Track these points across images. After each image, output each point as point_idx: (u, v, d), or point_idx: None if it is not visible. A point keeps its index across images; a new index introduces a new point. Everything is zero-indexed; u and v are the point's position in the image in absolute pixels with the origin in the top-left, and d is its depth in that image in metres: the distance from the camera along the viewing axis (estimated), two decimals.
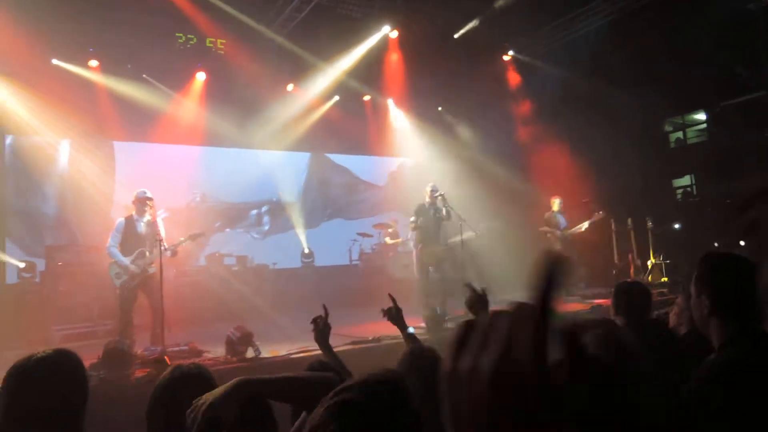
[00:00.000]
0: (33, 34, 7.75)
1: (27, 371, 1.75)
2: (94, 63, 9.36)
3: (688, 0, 9.36)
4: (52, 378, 1.76)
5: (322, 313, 2.86)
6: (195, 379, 1.84)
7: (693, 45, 9.95)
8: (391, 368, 1.38)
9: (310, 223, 11.98)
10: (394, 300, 3.03)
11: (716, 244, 9.33)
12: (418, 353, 2.18)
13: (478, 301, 2.84)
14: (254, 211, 11.70)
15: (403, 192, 12.36)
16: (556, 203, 9.42)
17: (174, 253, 6.36)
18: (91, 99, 9.31)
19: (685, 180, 12.39)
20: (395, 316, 2.99)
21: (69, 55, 9.05)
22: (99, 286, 7.95)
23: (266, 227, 11.70)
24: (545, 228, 9.30)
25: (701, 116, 12.26)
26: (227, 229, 11.22)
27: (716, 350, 1.83)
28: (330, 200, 12.65)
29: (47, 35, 8.12)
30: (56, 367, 1.79)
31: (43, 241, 9.05)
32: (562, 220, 9.30)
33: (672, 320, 3.33)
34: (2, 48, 7.81)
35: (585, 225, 9.22)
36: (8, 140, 9.28)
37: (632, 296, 3.05)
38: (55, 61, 8.99)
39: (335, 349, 2.85)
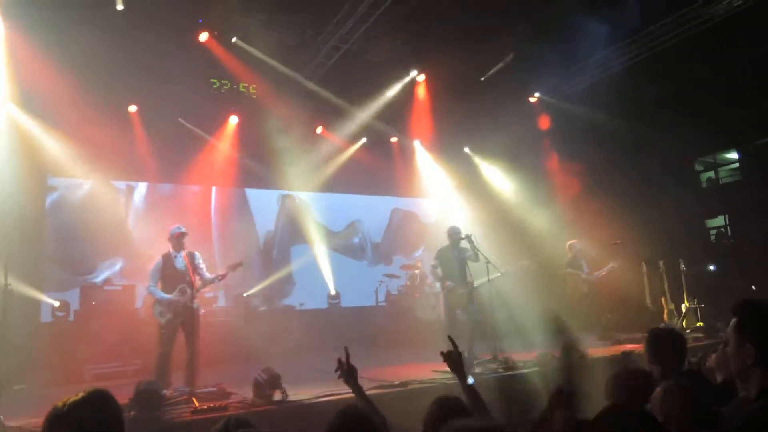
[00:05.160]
0: (76, 81, 8.14)
1: (62, 417, 1.77)
2: (133, 108, 9.76)
3: (716, 39, 9.34)
4: (87, 421, 1.78)
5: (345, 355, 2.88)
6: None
7: (723, 84, 9.90)
8: None
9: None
10: (454, 343, 2.80)
11: (753, 287, 9.05)
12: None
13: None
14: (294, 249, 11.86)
15: (429, 233, 12.40)
16: (575, 247, 9.27)
17: (223, 278, 6.35)
18: (129, 142, 9.68)
19: (719, 221, 12.13)
20: (456, 360, 2.71)
21: (110, 100, 9.46)
22: (129, 325, 8.09)
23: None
24: (570, 270, 9.15)
25: (733, 155, 12.08)
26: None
27: (755, 399, 1.79)
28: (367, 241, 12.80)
29: (89, 81, 8.51)
30: (90, 408, 1.82)
31: (78, 278, 9.25)
32: (584, 264, 9.17)
33: (710, 362, 3.22)
34: (46, 93, 8.23)
35: (602, 272, 9.08)
36: (50, 182, 9.64)
37: (667, 343, 2.96)
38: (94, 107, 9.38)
39: None
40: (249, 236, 11.38)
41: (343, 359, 2.86)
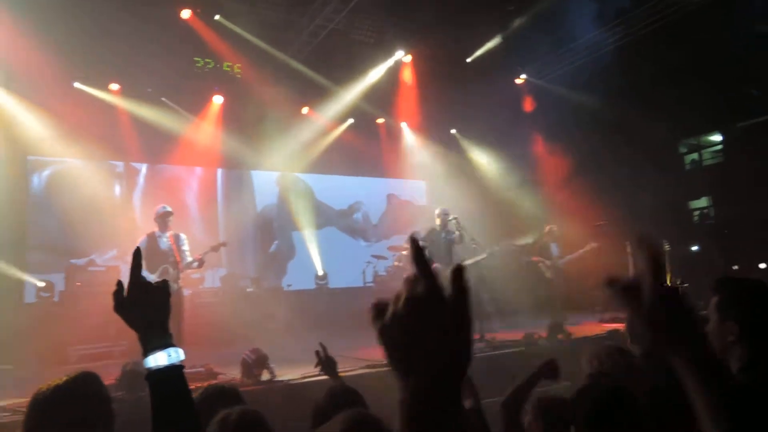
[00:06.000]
0: (55, 58, 7.95)
1: (47, 401, 1.69)
2: (115, 86, 9.57)
3: (702, 23, 9.37)
4: (73, 404, 1.70)
5: (330, 339, 2.90)
6: (226, 395, 1.96)
7: (707, 67, 9.96)
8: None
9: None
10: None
11: (735, 267, 9.21)
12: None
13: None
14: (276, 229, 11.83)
15: (420, 215, 12.42)
16: (548, 232, 9.26)
17: (201, 264, 6.39)
18: (112, 122, 9.51)
19: (702, 202, 12.29)
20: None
21: (90, 78, 9.28)
22: None
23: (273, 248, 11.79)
24: (536, 258, 9.17)
25: (717, 137, 12.20)
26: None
27: (736, 374, 1.82)
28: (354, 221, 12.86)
29: (69, 59, 8.32)
30: (76, 392, 1.73)
31: (63, 260, 9.14)
32: (554, 250, 9.15)
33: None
34: (25, 71, 8.05)
35: (577, 255, 9.03)
36: (32, 161, 9.46)
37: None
38: (77, 85, 9.21)
39: (351, 373, 2.90)
40: (245, 217, 11.31)
41: (321, 354, 2.88)
